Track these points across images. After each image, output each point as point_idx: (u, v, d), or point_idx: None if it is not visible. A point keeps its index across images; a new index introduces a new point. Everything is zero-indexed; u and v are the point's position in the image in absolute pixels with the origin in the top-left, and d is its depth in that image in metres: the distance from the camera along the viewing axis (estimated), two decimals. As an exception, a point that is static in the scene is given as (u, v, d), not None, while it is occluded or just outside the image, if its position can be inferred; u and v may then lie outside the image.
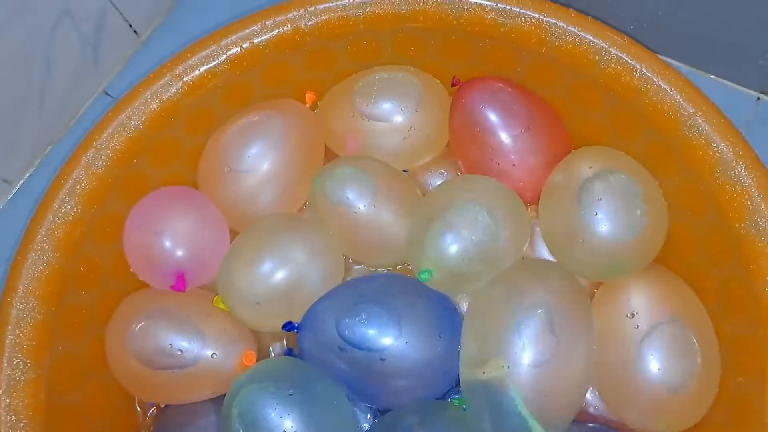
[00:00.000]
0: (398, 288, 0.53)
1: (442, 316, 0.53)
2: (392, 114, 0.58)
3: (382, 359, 0.50)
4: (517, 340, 0.47)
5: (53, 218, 0.53)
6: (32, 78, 0.69)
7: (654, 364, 0.48)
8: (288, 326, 0.54)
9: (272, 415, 0.48)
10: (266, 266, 0.53)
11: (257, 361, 0.54)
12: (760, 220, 0.47)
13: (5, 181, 0.73)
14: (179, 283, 0.55)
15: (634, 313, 0.50)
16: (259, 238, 0.55)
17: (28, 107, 0.70)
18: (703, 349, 0.49)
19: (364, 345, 0.50)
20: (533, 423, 0.46)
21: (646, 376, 0.48)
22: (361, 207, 0.54)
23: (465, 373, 0.50)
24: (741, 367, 0.48)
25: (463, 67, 0.60)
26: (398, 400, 0.52)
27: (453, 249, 0.51)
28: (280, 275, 0.53)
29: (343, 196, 0.54)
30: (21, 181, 0.73)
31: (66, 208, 0.53)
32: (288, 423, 0.47)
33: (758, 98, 0.68)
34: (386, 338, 0.50)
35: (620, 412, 0.51)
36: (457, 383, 0.52)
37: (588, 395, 0.53)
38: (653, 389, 0.48)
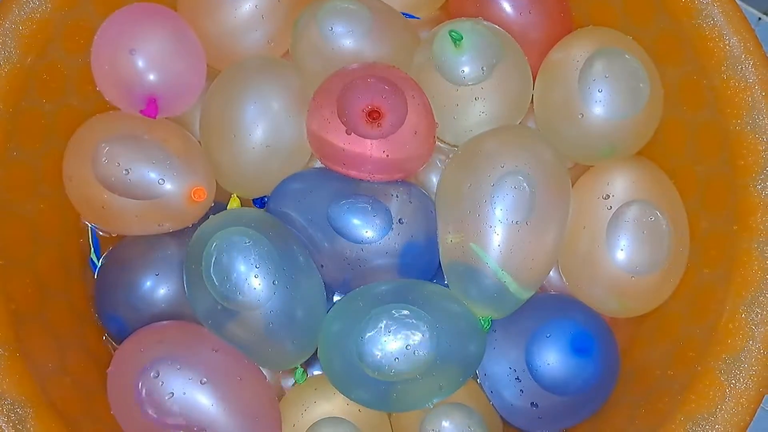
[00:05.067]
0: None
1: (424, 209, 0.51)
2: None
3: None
4: (492, 201, 0.47)
5: (18, 12, 0.48)
6: None
7: (621, 247, 0.49)
8: (259, 202, 0.53)
9: (246, 266, 0.45)
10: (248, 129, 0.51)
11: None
12: (758, 117, 0.47)
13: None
14: (150, 108, 0.51)
15: (610, 195, 0.50)
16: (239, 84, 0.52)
17: None
18: (673, 238, 0.49)
19: (353, 236, 0.49)
20: (506, 277, 0.46)
21: (612, 258, 0.49)
22: (348, 42, 0.51)
23: (443, 242, 0.50)
24: (709, 260, 0.49)
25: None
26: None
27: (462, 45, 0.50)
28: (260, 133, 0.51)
29: (332, 28, 0.50)
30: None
31: (34, 3, 0.48)
32: (260, 278, 0.45)
33: (759, 18, 0.67)
34: (373, 231, 0.49)
35: (579, 289, 0.52)
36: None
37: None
38: (616, 271, 0.49)
